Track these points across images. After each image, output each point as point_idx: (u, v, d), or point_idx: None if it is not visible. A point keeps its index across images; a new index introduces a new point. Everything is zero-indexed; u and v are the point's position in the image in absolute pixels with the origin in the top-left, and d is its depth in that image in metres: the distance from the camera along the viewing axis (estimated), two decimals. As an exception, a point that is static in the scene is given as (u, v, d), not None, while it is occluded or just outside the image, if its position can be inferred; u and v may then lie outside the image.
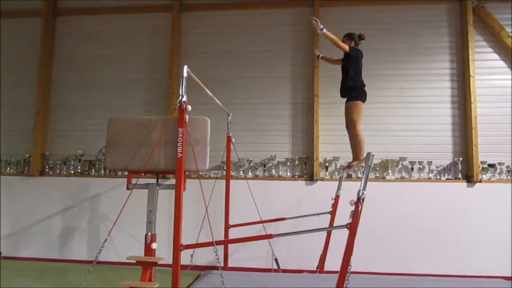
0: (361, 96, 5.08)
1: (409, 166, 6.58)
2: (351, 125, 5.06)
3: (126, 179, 3.83)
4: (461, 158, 6.51)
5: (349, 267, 2.94)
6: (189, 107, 3.37)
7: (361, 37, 5.42)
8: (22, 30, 7.72)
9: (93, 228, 6.89)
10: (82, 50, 7.56)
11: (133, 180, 3.77)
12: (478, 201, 6.26)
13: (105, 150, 3.81)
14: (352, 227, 2.93)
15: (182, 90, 3.37)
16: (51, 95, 7.52)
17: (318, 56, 5.89)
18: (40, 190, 7.09)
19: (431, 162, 6.53)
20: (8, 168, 7.32)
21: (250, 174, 6.85)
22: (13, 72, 7.63)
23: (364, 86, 5.15)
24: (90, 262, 6.33)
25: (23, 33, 7.71)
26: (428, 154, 6.58)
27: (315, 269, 5.67)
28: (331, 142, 6.74)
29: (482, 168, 6.44)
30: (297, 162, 6.81)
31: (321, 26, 4.96)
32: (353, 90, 5.08)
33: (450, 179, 6.50)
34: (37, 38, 7.48)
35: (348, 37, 5.37)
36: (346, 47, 5.07)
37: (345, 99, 5.21)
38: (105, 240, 3.56)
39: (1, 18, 7.72)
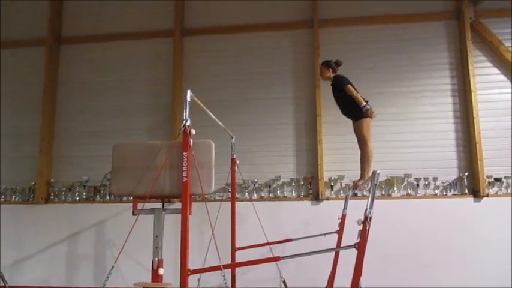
0: (368, 113, 5.14)
1: (415, 183, 6.55)
2: (362, 143, 5.11)
3: (131, 204, 3.83)
4: (466, 173, 6.48)
5: (359, 287, 2.90)
6: (193, 131, 3.39)
7: (337, 63, 5.52)
8: (26, 59, 7.85)
9: (99, 255, 6.85)
10: (86, 77, 7.66)
11: (139, 206, 3.77)
12: (486, 216, 6.21)
13: (111, 176, 3.82)
14: (361, 246, 2.90)
15: (186, 114, 3.39)
16: (55, 122, 7.59)
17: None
18: (45, 217, 7.08)
19: (436, 178, 6.50)
20: (14, 197, 7.34)
21: (255, 195, 6.83)
22: (18, 100, 7.73)
23: (367, 101, 5.18)
24: (96, 289, 6.29)
25: (27, 62, 7.83)
26: (433, 170, 6.56)
27: (323, 289, 5.59)
28: (336, 161, 6.74)
29: (489, 182, 6.40)
30: (301, 182, 6.80)
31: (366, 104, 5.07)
32: (359, 108, 5.11)
33: (456, 194, 6.46)
34: (41, 66, 7.59)
35: (326, 65, 5.50)
36: (328, 75, 5.41)
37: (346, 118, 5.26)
38: (112, 267, 3.54)
39: (6, 48, 7.86)
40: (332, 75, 5.51)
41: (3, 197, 7.35)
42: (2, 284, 6.27)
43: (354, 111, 5.20)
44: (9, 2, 8.01)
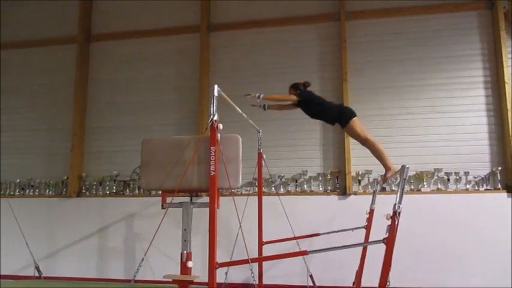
0: (350, 113, 4.89)
1: (445, 177, 6.41)
2: (364, 141, 4.87)
3: (160, 198, 3.90)
4: (499, 168, 6.29)
5: (388, 284, 2.87)
6: (221, 126, 3.41)
7: (305, 84, 5.29)
8: (58, 57, 8.07)
9: (129, 247, 7.00)
10: (115, 74, 7.82)
11: (168, 199, 3.83)
12: (520, 212, 6.01)
13: (140, 170, 3.89)
14: (389, 241, 2.87)
15: (213, 109, 3.41)
16: (86, 118, 7.78)
17: (264, 107, 5.55)
18: (77, 211, 7.29)
19: (468, 172, 6.35)
20: (47, 190, 7.58)
21: (282, 190, 6.83)
22: (50, 97, 7.97)
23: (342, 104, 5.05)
24: (126, 281, 6.44)
25: (59, 60, 8.06)
26: (464, 164, 6.40)
27: (351, 285, 5.55)
28: (363, 155, 6.60)
29: (523, 177, 6.21)
30: (328, 177, 6.75)
31: (258, 94, 4.89)
32: (339, 114, 4.91)
33: (489, 189, 6.28)
34: (72, 64, 7.79)
35: (293, 88, 5.28)
36: (293, 97, 5.04)
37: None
38: (142, 259, 3.61)
39: (39, 46, 8.10)
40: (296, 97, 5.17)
41: (37, 190, 7.61)
42: (38, 275, 6.51)
43: (334, 117, 4.98)
44: (40, 2, 8.24)
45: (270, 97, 4.99)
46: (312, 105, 5.09)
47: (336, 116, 4.95)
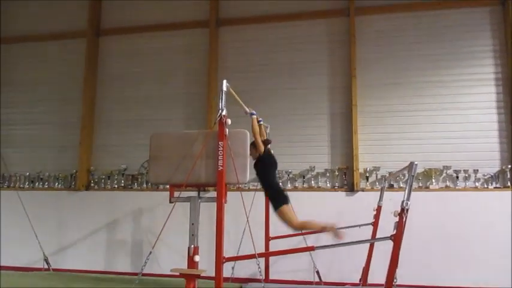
0: (283, 200, 4.54)
1: (454, 175, 6.36)
2: (290, 226, 4.60)
3: (167, 192, 3.91)
4: (509, 166, 6.23)
5: (395, 281, 2.86)
6: (229, 121, 3.42)
7: (265, 143, 4.81)
8: (67, 51, 8.11)
9: (136, 241, 7.05)
10: (124, 68, 7.84)
11: (176, 194, 3.85)
12: (530, 211, 5.95)
13: (148, 164, 3.91)
14: (397, 238, 2.86)
15: (222, 104, 3.42)
16: (95, 112, 7.82)
17: (260, 121, 5.02)
18: (86, 204, 7.35)
19: (477, 170, 6.29)
20: (57, 184, 7.65)
21: (289, 185, 6.82)
22: (59, 91, 8.02)
23: (282, 189, 4.75)
24: (133, 274, 6.48)
25: (68, 54, 8.10)
26: (473, 162, 6.34)
27: (358, 282, 5.55)
28: (371, 152, 6.64)
29: (533, 175, 6.14)
30: (336, 173, 6.73)
31: (250, 112, 4.62)
32: (274, 199, 4.57)
33: (498, 187, 6.22)
34: (82, 57, 7.83)
35: (253, 146, 4.66)
36: (261, 148, 4.59)
37: None
38: (150, 253, 3.64)
39: (49, 40, 8.15)
40: (257, 154, 4.68)
41: (46, 183, 7.69)
42: (47, 267, 6.58)
43: (270, 199, 4.66)
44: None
45: (252, 124, 4.58)
46: (265, 172, 4.69)
47: (271, 199, 4.61)
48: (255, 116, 4.63)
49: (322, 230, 4.65)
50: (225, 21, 7.50)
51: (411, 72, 6.76)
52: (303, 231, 4.92)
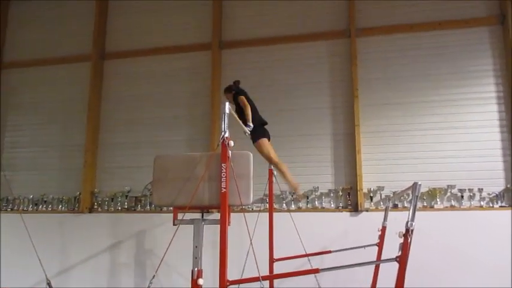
0: (262, 134, 5.36)
1: (459, 194, 6.32)
2: (267, 158, 5.45)
3: (171, 214, 3.90)
4: (514, 184, 6.20)
5: (401, 302, 2.83)
6: (232, 143, 3.43)
7: (235, 83, 5.71)
8: (73, 75, 8.23)
9: (140, 263, 7.00)
10: (128, 90, 7.93)
11: (179, 216, 3.83)
12: (536, 230, 5.89)
13: (152, 186, 3.91)
14: (402, 259, 2.83)
15: (224, 126, 3.43)
16: (99, 134, 7.87)
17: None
18: (89, 226, 7.33)
19: (482, 189, 6.26)
20: (60, 206, 7.65)
21: (293, 206, 6.80)
22: (64, 113, 8.10)
23: (265, 123, 5.47)
24: (137, 297, 6.42)
25: (73, 77, 8.21)
26: (478, 181, 6.31)
27: (364, 303, 5.47)
28: (375, 172, 6.62)
29: (539, 194, 6.10)
30: (340, 193, 6.71)
31: (248, 125, 5.06)
32: (253, 132, 5.20)
33: (504, 206, 6.18)
34: (86, 81, 7.92)
35: (228, 91, 5.66)
36: (244, 100, 5.39)
37: None
38: (153, 276, 3.60)
39: (54, 64, 8.28)
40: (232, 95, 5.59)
41: (50, 206, 7.69)
42: (49, 290, 6.52)
43: (252, 132, 5.21)
44: (55, 21, 8.45)
45: (248, 117, 5.22)
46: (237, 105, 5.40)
47: (251, 133, 5.18)
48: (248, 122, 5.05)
49: (292, 185, 5.63)
50: (227, 44, 7.61)
51: (413, 92, 6.80)
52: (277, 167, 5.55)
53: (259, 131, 5.40)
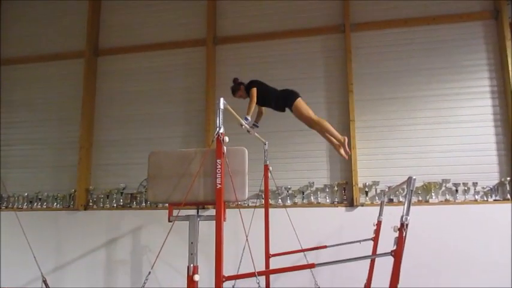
0: (294, 94, 5.11)
1: (453, 188, 6.36)
2: (310, 122, 5.01)
3: (166, 211, 3.89)
4: (508, 178, 6.23)
5: (397, 296, 2.84)
6: (227, 138, 3.42)
7: (235, 81, 5.51)
8: (66, 71, 8.17)
9: (135, 260, 6.99)
10: (122, 87, 7.89)
11: (174, 212, 3.83)
12: (530, 223, 5.94)
13: (147, 183, 3.90)
14: (398, 254, 2.85)
15: (219, 122, 3.43)
16: (94, 131, 7.84)
17: (254, 125, 5.46)
18: (85, 223, 7.31)
19: (476, 183, 6.29)
20: (55, 203, 7.62)
21: (288, 202, 6.81)
22: (58, 110, 8.05)
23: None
24: (133, 294, 6.41)
25: (67, 74, 8.15)
26: (472, 175, 6.35)
27: (359, 298, 5.50)
28: (370, 167, 6.64)
29: (533, 187, 6.14)
30: (335, 188, 6.73)
31: (244, 118, 4.77)
32: (284, 97, 5.13)
33: (498, 200, 6.22)
34: (80, 77, 7.88)
35: (235, 90, 5.44)
36: (254, 91, 5.11)
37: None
38: (149, 273, 3.61)
39: (47, 61, 8.22)
40: (243, 88, 5.36)
41: (45, 203, 7.65)
42: (45, 288, 6.50)
43: (280, 102, 5.16)
44: (48, 18, 8.38)
45: (249, 111, 4.95)
46: (264, 93, 5.18)
47: (282, 99, 5.10)
48: (245, 115, 4.79)
49: (338, 141, 4.92)
50: (222, 40, 7.58)
51: (408, 87, 6.81)
52: (326, 135, 5.04)
53: (289, 92, 5.12)
